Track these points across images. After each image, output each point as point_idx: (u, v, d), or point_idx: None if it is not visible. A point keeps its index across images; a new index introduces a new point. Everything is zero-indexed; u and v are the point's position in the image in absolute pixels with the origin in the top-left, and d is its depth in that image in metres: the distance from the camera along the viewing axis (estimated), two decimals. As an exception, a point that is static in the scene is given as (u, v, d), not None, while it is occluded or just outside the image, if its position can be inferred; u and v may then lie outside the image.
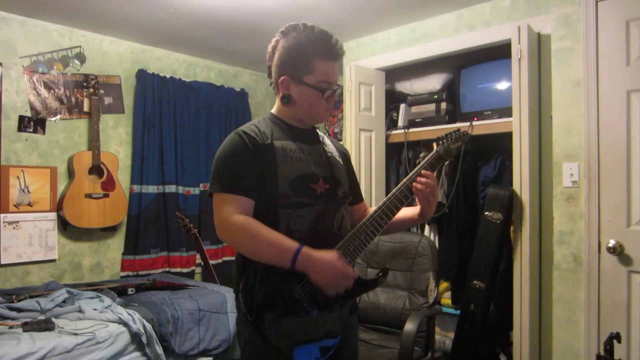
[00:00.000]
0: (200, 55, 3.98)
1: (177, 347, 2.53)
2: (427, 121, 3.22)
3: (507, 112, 2.68)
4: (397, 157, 3.47)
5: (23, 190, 3.07)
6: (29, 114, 3.12)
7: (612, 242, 2.18)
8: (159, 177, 3.64)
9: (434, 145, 1.43)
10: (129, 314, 2.41)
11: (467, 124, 2.91)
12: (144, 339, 2.36)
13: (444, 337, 3.00)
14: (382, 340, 2.52)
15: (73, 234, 3.28)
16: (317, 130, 1.55)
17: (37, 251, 3.12)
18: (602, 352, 1.68)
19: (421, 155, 3.25)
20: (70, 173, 3.24)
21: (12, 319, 2.35)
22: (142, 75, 3.59)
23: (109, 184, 3.30)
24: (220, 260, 3.97)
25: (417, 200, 1.43)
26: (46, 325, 2.23)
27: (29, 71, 3.12)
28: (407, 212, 1.49)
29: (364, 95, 3.27)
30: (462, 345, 2.64)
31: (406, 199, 1.38)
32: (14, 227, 3.03)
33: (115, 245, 3.50)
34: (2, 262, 2.98)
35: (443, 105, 3.17)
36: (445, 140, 1.41)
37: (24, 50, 3.11)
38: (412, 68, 3.33)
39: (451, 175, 2.99)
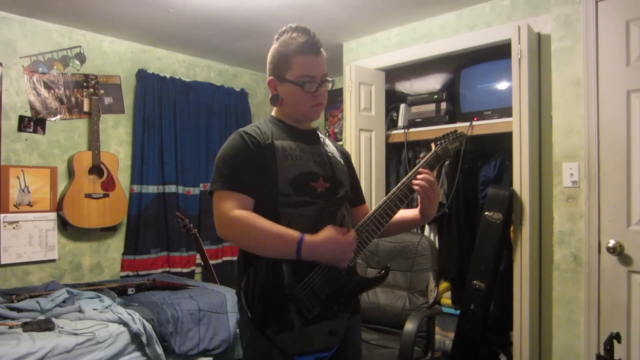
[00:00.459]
0: (200, 55, 3.98)
1: (177, 347, 2.53)
2: (427, 121, 3.22)
3: (507, 112, 2.68)
4: (397, 157, 3.47)
5: (23, 190, 3.07)
6: (29, 114, 3.12)
7: (612, 242, 2.18)
8: (159, 177, 3.64)
9: (432, 145, 1.45)
10: (129, 314, 2.42)
11: (467, 124, 2.91)
12: (144, 339, 2.37)
13: (444, 337, 3.00)
14: (382, 340, 2.52)
15: (73, 234, 3.28)
16: (318, 132, 1.57)
17: (37, 251, 3.12)
18: (602, 352, 1.68)
19: (421, 155, 3.26)
20: (70, 173, 3.24)
21: (12, 319, 2.35)
22: (142, 75, 3.59)
23: (109, 184, 3.30)
24: (220, 260, 3.97)
25: (418, 199, 1.43)
26: (46, 325, 2.23)
27: (29, 71, 3.12)
28: (408, 212, 1.49)
29: (364, 95, 3.27)
30: (462, 345, 2.64)
31: (406, 197, 1.38)
32: (14, 227, 3.03)
33: (115, 245, 3.50)
34: (2, 262, 2.98)
35: (443, 105, 3.17)
36: (443, 141, 1.43)
37: (24, 50, 3.11)
38: (412, 68, 3.33)
39: (451, 175, 2.98)
